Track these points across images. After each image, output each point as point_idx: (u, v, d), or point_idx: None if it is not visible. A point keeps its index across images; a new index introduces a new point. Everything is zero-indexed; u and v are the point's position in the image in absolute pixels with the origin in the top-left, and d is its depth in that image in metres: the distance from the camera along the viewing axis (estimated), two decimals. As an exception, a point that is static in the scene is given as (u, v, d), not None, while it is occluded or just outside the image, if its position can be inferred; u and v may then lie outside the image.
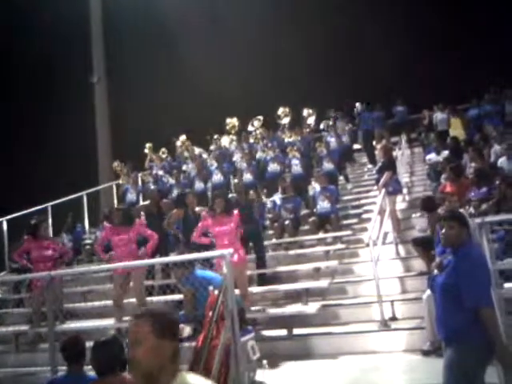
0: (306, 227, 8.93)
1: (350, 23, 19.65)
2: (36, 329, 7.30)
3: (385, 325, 5.93)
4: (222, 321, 4.24)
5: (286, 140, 11.83)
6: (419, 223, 8.31)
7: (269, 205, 9.98)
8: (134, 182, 11.84)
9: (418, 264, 6.98)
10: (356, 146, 14.17)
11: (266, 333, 6.37)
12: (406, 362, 5.21)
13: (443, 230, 3.32)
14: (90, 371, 3.53)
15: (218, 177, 10.77)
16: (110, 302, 7.05)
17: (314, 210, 8.96)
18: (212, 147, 13.32)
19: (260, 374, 5.02)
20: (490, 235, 3.98)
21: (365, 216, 9.32)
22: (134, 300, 6.88)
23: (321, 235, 8.54)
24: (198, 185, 10.88)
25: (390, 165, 8.62)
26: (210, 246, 6.75)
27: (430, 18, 18.79)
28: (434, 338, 4.94)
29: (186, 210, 8.29)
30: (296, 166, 10.36)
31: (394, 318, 6.20)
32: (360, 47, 19.66)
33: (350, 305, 6.76)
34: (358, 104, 14.12)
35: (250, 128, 12.63)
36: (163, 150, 14.00)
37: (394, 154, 10.44)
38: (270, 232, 9.32)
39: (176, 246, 8.02)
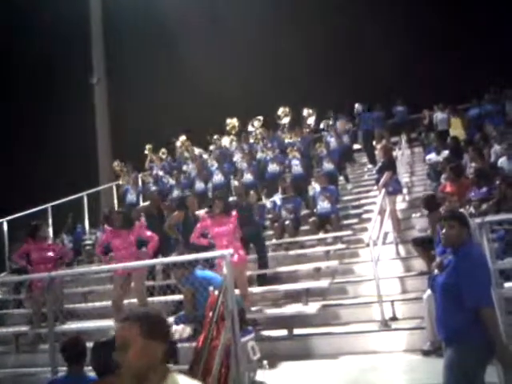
0: (307, 227, 8.93)
1: (350, 23, 19.65)
2: (36, 329, 7.29)
3: (385, 325, 5.92)
4: (222, 321, 4.23)
5: (287, 141, 11.83)
6: (419, 223, 8.33)
7: (269, 205, 9.97)
8: (134, 182, 11.81)
9: (419, 264, 6.98)
10: (356, 146, 14.15)
11: (267, 333, 6.36)
12: (407, 362, 5.21)
13: (443, 230, 3.33)
14: (90, 372, 3.54)
15: (218, 177, 10.76)
16: (110, 303, 7.03)
17: (314, 210, 8.97)
18: (212, 147, 13.31)
19: (260, 375, 5.01)
20: (490, 235, 3.98)
21: (365, 216, 9.32)
22: (134, 300, 6.88)
23: (321, 235, 8.54)
24: (199, 185, 10.88)
25: (390, 165, 8.62)
26: (208, 247, 6.74)
27: (430, 18, 18.79)
28: (435, 338, 4.94)
29: (187, 212, 8.28)
30: (296, 167, 10.35)
31: (394, 318, 6.20)
32: (360, 47, 19.65)
33: (350, 305, 6.75)
34: (357, 105, 14.10)
35: (250, 128, 12.60)
36: (163, 150, 14.01)
37: (394, 153, 10.44)
38: (270, 232, 9.32)
39: (176, 247, 8.00)
